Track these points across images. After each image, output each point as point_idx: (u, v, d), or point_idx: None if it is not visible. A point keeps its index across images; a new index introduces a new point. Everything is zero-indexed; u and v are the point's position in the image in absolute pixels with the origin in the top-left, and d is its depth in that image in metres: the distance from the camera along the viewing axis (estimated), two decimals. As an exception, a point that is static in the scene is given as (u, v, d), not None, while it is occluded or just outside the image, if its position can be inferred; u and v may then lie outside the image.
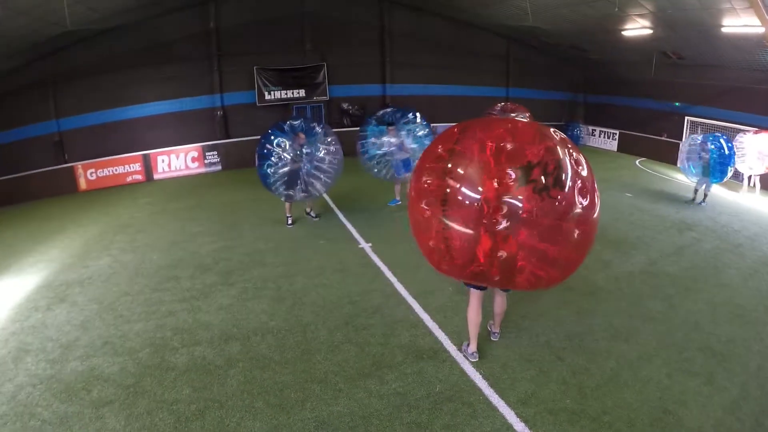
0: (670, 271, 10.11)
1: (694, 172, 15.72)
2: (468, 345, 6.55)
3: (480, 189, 4.76)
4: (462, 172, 4.87)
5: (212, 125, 20.34)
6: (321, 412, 5.56)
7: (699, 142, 15.63)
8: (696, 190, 16.00)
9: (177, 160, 19.29)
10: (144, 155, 18.86)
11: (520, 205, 4.67)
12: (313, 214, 12.51)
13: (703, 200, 15.72)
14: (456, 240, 4.94)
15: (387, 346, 6.88)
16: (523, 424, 5.47)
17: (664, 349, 7.19)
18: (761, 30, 15.18)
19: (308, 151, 10.97)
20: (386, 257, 9.81)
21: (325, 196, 13.40)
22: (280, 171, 10.82)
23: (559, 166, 4.65)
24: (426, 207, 5.07)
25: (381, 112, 13.35)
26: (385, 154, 12.68)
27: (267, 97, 20.50)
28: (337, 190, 13.38)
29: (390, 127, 12.59)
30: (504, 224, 4.69)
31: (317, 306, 8.04)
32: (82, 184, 18.34)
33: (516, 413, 5.61)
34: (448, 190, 4.88)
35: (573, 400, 5.93)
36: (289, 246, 10.65)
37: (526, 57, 26.56)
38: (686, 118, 23.33)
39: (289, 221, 11.96)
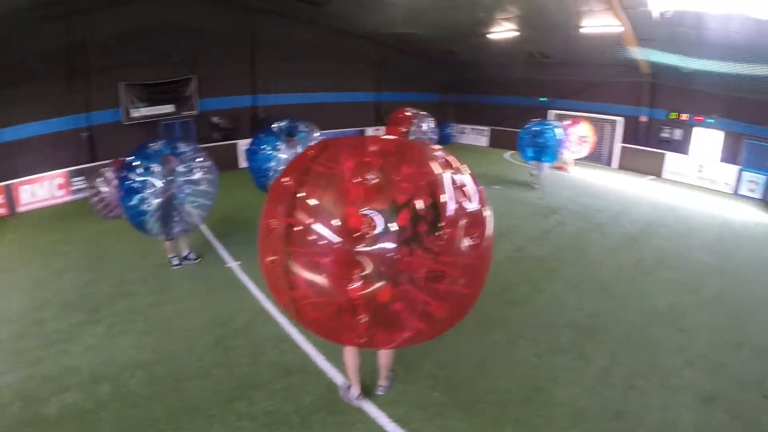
0: (537, 255, 10.57)
1: (530, 156, 17.48)
2: (349, 387, 5.86)
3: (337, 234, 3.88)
4: (315, 207, 3.98)
5: (78, 148, 18.92)
6: (196, 442, 5.31)
7: (534, 128, 17.47)
8: (532, 174, 17.95)
9: (42, 189, 17.68)
10: (6, 186, 17.19)
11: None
12: (192, 256, 10.56)
13: (537, 181, 17.69)
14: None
15: (256, 365, 6.66)
16: (394, 424, 5.45)
17: (532, 331, 7.45)
18: (617, 29, 16.84)
19: (180, 175, 9.43)
20: (254, 274, 9.51)
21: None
22: (152, 205, 9.17)
23: (435, 207, 3.87)
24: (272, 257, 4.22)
25: (281, 122, 12.39)
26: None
27: (134, 114, 19.17)
28: None
29: (290, 138, 11.61)
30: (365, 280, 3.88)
31: (186, 332, 7.66)
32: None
33: (386, 414, 5.59)
34: (296, 229, 3.96)
35: (442, 393, 5.99)
36: (157, 273, 10.07)
37: (397, 61, 27.08)
38: (551, 111, 25.47)
39: (175, 261, 10.25)
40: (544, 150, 16.83)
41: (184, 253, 10.36)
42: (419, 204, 3.84)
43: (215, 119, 20.92)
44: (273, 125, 11.88)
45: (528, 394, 6.01)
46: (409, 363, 6.54)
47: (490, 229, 4.32)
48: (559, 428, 5.50)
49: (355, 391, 5.75)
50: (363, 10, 19.44)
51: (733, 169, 20.15)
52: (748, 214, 16.19)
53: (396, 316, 4.01)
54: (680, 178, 21.44)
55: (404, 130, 17.77)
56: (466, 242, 3.99)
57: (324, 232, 3.85)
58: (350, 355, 5.57)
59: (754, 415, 5.92)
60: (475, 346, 6.96)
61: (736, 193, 19.67)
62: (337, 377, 6.26)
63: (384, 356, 5.77)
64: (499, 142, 27.56)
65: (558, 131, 17.12)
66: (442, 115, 29.61)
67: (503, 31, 20.54)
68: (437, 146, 4.62)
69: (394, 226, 3.80)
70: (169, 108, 19.42)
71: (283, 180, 4.27)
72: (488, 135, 28.67)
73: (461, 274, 4.08)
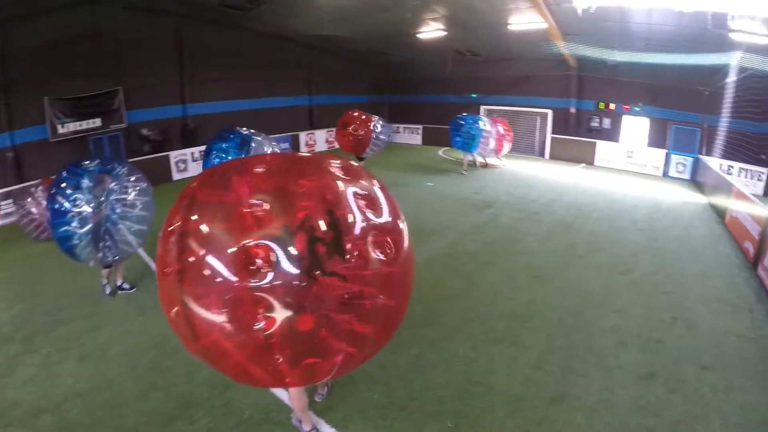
0: (471, 249, 10.52)
1: (459, 144, 19.38)
2: (301, 423, 5.30)
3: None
4: (206, 238, 3.53)
5: (3, 169, 17.84)
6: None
7: (462, 121, 19.30)
8: (467, 162, 19.74)
9: (-32, 216, 16.71)
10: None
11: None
12: (126, 285, 9.56)
13: (466, 168, 19.66)
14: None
15: (193, 383, 6.35)
16: (333, 430, 5.28)
17: (466, 324, 7.35)
18: (544, 26, 17.25)
19: (114, 196, 8.44)
20: None
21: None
22: (83, 230, 8.25)
23: (334, 223, 3.48)
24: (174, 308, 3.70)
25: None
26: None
27: (60, 130, 18.09)
28: None
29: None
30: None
31: (122, 357, 7.27)
32: None
33: (326, 421, 5.40)
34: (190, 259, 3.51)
35: (381, 394, 5.82)
36: (92, 297, 9.52)
37: (328, 64, 26.81)
38: (482, 107, 26.27)
39: (107, 290, 9.27)
40: (470, 140, 18.82)
41: (119, 282, 9.48)
42: (318, 224, 3.45)
43: (145, 131, 20.06)
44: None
45: (466, 387, 5.89)
46: (344, 366, 6.37)
47: (405, 239, 3.93)
48: (498, 417, 5.40)
49: (307, 426, 5.26)
50: (291, 13, 19.16)
51: (661, 153, 21.05)
52: (677, 195, 16.73)
53: (323, 342, 3.57)
54: (611, 164, 22.36)
55: (359, 132, 17.44)
56: (377, 257, 3.60)
57: (218, 266, 3.39)
58: (295, 396, 5.06)
59: (693, 386, 5.97)
60: (411, 345, 6.81)
61: (665, 175, 20.54)
62: (276, 389, 5.98)
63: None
64: (432, 139, 28.10)
65: (481, 123, 19.12)
66: (376, 115, 29.90)
67: (431, 30, 20.74)
68: (337, 158, 4.10)
69: (292, 253, 3.37)
70: (96, 122, 18.59)
71: (168, 228, 3.71)
72: (421, 133, 29.23)
73: (380, 290, 3.65)
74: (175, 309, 3.63)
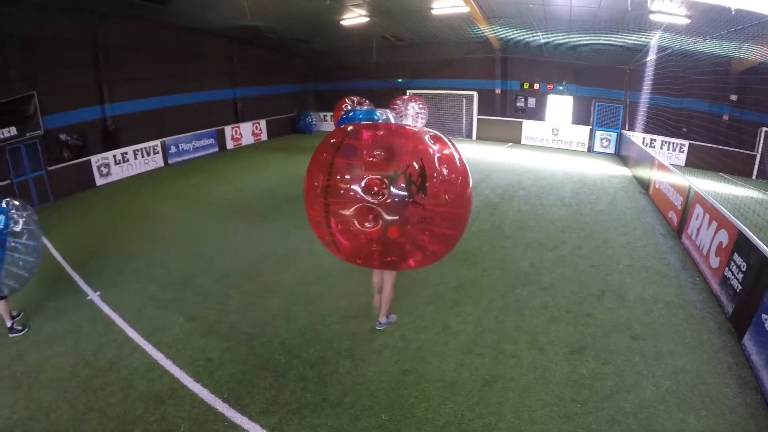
0: (399, 237, 10.46)
1: None
2: (387, 318, 7.14)
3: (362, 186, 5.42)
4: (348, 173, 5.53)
5: None
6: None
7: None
8: None
9: None
10: None
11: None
12: (19, 327, 8.22)
13: None
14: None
15: (128, 401, 6.05)
16: (270, 433, 5.18)
17: (395, 313, 7.26)
18: (466, 10, 17.34)
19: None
20: (116, 302, 8.71)
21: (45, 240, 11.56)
22: None
23: (423, 173, 5.31)
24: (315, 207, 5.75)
25: None
26: None
27: None
28: (59, 234, 11.92)
29: None
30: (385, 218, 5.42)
31: (55, 380, 6.85)
32: None
33: (261, 425, 5.27)
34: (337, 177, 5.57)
35: (314, 393, 5.69)
36: (17, 320, 9.00)
37: (251, 55, 26.16)
38: (408, 91, 26.38)
39: (12, 334, 8.03)
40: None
41: (8, 323, 8.15)
42: (414, 171, 5.30)
43: (63, 136, 19.01)
44: None
45: (397, 377, 5.84)
46: (277, 367, 6.24)
47: (467, 189, 5.62)
48: (432, 405, 5.38)
49: (391, 317, 7.20)
50: (209, 4, 18.64)
51: (586, 129, 21.75)
52: (602, 169, 17.25)
53: (402, 248, 5.61)
54: (538, 142, 23.06)
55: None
56: (445, 198, 5.41)
57: (354, 187, 5.43)
58: (388, 290, 6.90)
59: (625, 357, 6.14)
60: (340, 339, 6.72)
61: (591, 151, 21.25)
62: (209, 398, 5.85)
63: (385, 291, 6.92)
64: (360, 126, 27.86)
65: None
66: (302, 104, 29.55)
67: (355, 17, 20.52)
68: (430, 131, 5.85)
69: (396, 186, 5.31)
70: (11, 130, 17.42)
71: (319, 160, 5.74)
72: None
73: (443, 219, 5.50)
74: (316, 207, 5.69)
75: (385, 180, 5.33)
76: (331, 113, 29.38)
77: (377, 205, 5.38)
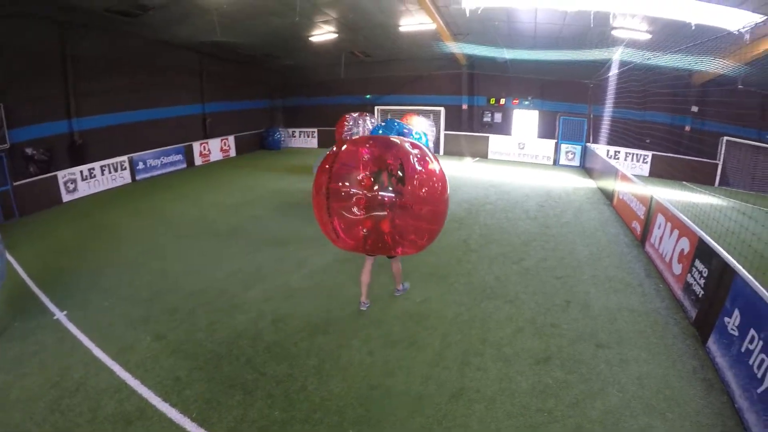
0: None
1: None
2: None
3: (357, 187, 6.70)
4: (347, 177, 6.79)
5: None
6: None
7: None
8: None
9: None
10: None
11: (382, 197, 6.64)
12: None
13: None
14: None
15: (95, 422, 5.91)
16: (238, 456, 5.08)
17: (362, 330, 7.30)
18: (433, 27, 17.75)
19: None
20: (83, 322, 8.54)
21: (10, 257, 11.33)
22: None
23: (401, 168, 6.66)
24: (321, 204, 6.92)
25: None
26: None
27: None
28: (24, 252, 11.66)
29: None
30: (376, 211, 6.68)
31: (21, 403, 6.67)
32: None
33: None
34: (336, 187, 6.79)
35: (282, 410, 5.63)
36: None
37: (220, 70, 25.90)
38: (376, 107, 26.89)
39: None
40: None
41: None
42: (396, 169, 6.63)
43: (29, 150, 18.50)
44: None
45: (365, 392, 5.82)
46: (245, 385, 6.16)
47: (440, 186, 7.02)
48: (400, 419, 5.37)
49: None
50: (180, 19, 18.46)
51: (551, 143, 22.15)
52: (567, 182, 17.50)
53: (391, 238, 6.83)
54: (504, 156, 23.39)
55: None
56: (422, 191, 6.74)
57: (350, 183, 6.72)
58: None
59: (591, 365, 6.23)
60: (307, 356, 6.68)
61: (556, 164, 21.65)
62: (177, 417, 5.76)
63: (394, 268, 8.23)
64: (328, 142, 27.96)
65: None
66: (271, 121, 29.55)
67: (324, 33, 20.71)
68: (411, 141, 7.30)
69: (382, 181, 6.60)
70: None
71: (321, 168, 6.93)
72: (317, 136, 29.38)
73: (422, 210, 6.79)
74: (321, 203, 6.84)
75: (373, 178, 6.62)
76: (301, 129, 29.79)
77: (367, 197, 6.62)
